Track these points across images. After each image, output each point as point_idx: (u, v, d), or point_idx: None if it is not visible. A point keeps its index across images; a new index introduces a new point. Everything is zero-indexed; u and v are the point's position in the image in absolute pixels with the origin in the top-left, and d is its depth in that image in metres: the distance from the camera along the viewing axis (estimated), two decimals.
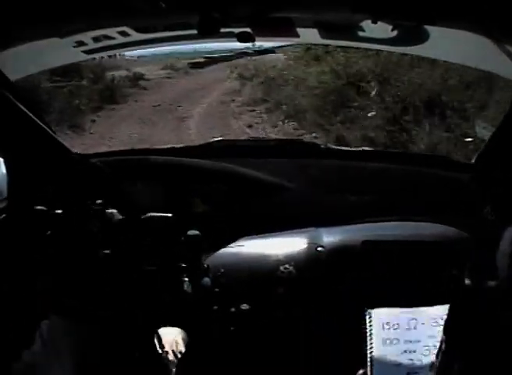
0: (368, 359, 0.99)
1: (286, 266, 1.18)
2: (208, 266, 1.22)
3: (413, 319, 0.98)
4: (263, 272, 1.20)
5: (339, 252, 1.19)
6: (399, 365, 0.97)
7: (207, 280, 1.21)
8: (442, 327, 0.87)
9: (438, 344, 0.86)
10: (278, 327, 1.18)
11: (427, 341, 0.96)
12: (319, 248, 1.20)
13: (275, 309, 1.17)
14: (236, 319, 1.18)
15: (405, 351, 0.97)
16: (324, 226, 1.27)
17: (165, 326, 1.18)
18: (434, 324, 0.97)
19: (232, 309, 1.18)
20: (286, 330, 1.18)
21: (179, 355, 1.10)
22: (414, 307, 1.01)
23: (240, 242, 1.27)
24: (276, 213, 1.34)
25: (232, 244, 1.27)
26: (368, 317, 1.00)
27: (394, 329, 0.98)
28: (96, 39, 1.18)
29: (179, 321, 1.21)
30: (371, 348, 0.99)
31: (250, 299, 1.18)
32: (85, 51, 1.23)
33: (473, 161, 1.35)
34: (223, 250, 1.25)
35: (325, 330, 1.15)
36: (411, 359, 0.97)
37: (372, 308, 1.03)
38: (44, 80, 6.11)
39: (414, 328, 0.97)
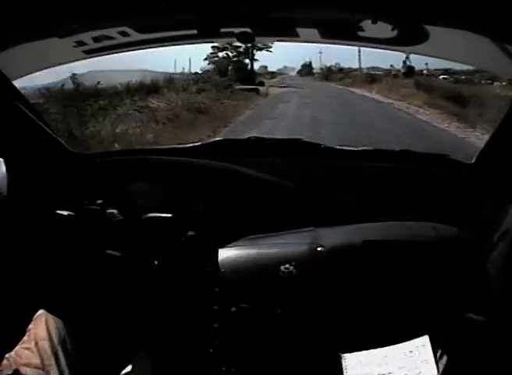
0: None
1: (287, 266, 1.18)
2: (208, 265, 1.22)
3: (384, 356, 1.08)
4: (263, 272, 1.19)
5: (339, 252, 1.19)
6: None
7: (207, 280, 1.21)
8: (410, 359, 1.03)
9: (408, 373, 1.01)
10: (278, 327, 1.18)
11: (398, 372, 1.04)
12: (319, 248, 1.20)
13: (276, 309, 1.17)
14: (236, 319, 1.18)
15: None
16: (324, 226, 1.26)
17: (165, 326, 1.18)
18: (403, 357, 1.06)
19: (233, 309, 1.18)
20: (286, 330, 1.18)
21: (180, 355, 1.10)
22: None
23: (240, 242, 1.27)
24: (276, 213, 1.34)
25: (232, 244, 1.26)
26: (343, 359, 1.09)
27: (367, 365, 1.08)
28: (96, 39, 1.18)
29: (178, 321, 1.21)
30: None
31: (250, 299, 1.18)
32: (85, 51, 1.23)
33: (473, 160, 1.35)
34: (223, 250, 1.25)
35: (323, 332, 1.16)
36: None
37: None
38: None
39: (386, 363, 1.07)
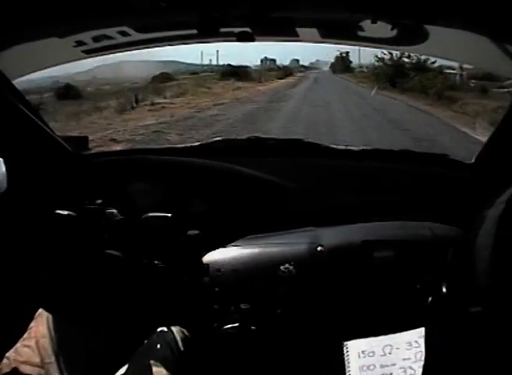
0: None
1: (287, 265, 1.18)
2: (207, 265, 1.22)
3: (387, 345, 1.03)
4: (263, 272, 1.20)
5: (339, 252, 1.19)
6: None
7: (207, 279, 1.21)
8: (416, 349, 0.98)
9: (413, 365, 0.96)
10: (278, 327, 1.18)
11: (402, 364, 1.01)
12: (319, 248, 1.20)
13: (276, 309, 1.17)
14: (236, 319, 1.18)
15: None
16: (324, 226, 1.27)
17: (164, 325, 1.18)
18: (408, 348, 1.02)
19: (232, 309, 1.18)
20: (286, 329, 1.18)
21: (179, 354, 1.10)
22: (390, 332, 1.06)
23: (240, 242, 1.27)
24: (276, 213, 1.34)
25: (232, 244, 1.27)
26: (344, 348, 1.05)
27: (370, 356, 1.03)
28: (96, 39, 1.18)
29: (178, 321, 1.21)
30: (348, 373, 1.05)
31: (250, 299, 1.19)
32: (85, 51, 1.23)
33: (473, 160, 1.35)
34: (223, 250, 1.25)
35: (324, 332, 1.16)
36: None
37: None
38: None
39: (389, 353, 1.02)
